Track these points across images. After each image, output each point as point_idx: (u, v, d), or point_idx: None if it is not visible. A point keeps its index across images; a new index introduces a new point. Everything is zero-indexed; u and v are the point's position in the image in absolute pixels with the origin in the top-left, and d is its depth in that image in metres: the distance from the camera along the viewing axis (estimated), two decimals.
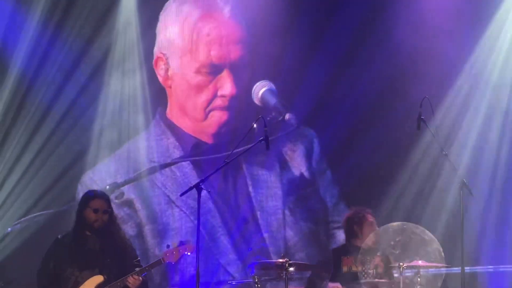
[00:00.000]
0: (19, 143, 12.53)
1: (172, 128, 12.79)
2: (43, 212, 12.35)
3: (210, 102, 12.58)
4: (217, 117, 12.53)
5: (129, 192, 12.66)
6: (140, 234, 12.50)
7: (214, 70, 12.54)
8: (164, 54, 12.67)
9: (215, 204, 12.59)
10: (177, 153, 12.74)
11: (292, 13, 12.77)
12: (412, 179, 12.09)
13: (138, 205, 12.53)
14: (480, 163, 12.33)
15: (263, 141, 9.68)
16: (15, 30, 12.63)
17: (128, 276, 9.80)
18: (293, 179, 12.72)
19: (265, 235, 12.37)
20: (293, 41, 12.82)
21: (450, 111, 12.30)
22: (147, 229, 12.46)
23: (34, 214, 12.31)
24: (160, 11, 12.84)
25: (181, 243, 10.30)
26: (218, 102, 12.48)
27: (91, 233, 10.05)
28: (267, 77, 12.75)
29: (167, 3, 12.85)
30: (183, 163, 12.69)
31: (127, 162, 12.92)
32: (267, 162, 12.70)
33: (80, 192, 12.18)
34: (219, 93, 12.51)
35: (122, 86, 12.84)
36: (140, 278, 9.88)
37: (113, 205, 11.09)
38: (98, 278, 9.76)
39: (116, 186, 12.76)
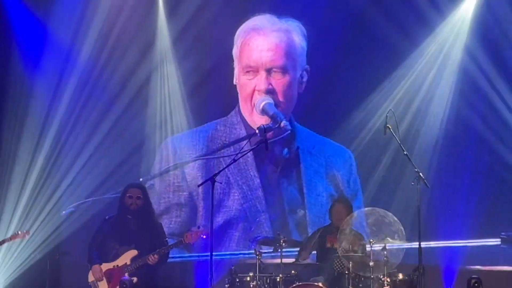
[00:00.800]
0: (84, 133, 13.18)
1: (244, 121, 13.41)
2: (92, 198, 13.03)
3: (252, 96, 13.24)
4: (261, 111, 13.19)
5: (196, 168, 13.40)
6: (193, 205, 13.18)
7: (252, 70, 13.19)
8: (234, 67, 13.44)
9: (264, 193, 13.24)
10: (244, 142, 12.91)
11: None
12: (383, 175, 12.85)
13: (200, 179, 12.97)
14: (434, 159, 13.00)
15: (263, 143, 10.66)
16: (72, 61, 13.25)
17: (149, 255, 11.18)
18: (332, 194, 13.33)
19: (309, 230, 12.88)
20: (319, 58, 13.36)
21: (405, 121, 12.89)
22: (202, 204, 13.10)
23: (88, 199, 12.98)
24: (191, 45, 13.49)
25: (199, 228, 11.66)
26: (257, 96, 13.13)
27: (131, 216, 11.50)
28: (298, 83, 13.35)
29: (238, 31, 13.45)
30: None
31: (205, 139, 13.60)
32: (320, 175, 13.45)
33: (160, 155, 13.52)
34: (256, 88, 13.18)
35: (162, 102, 13.58)
36: (156, 256, 11.18)
37: (181, 173, 13.22)
38: (133, 252, 11.22)
39: (188, 161, 13.44)
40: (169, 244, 11.74)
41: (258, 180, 13.22)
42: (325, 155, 13.52)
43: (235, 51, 13.47)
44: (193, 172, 13.34)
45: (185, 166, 13.47)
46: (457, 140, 13.34)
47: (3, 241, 11.84)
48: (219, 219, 12.44)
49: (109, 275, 11.36)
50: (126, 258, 11.35)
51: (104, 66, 13.30)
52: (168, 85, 13.72)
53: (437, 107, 13.49)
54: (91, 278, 11.44)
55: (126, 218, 11.69)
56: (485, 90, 13.23)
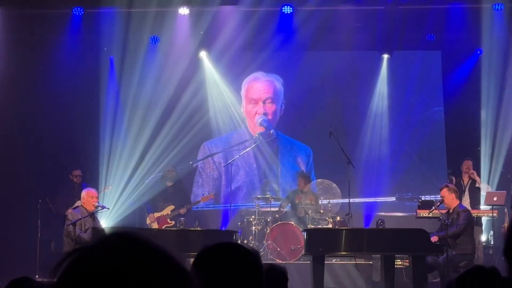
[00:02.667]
0: (165, 132, 13.42)
1: (247, 130, 14.12)
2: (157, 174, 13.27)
3: (254, 116, 13.95)
4: (263, 127, 13.91)
5: (220, 157, 13.93)
6: (220, 178, 13.86)
7: (255, 102, 14.03)
8: (243, 101, 14.08)
9: (258, 171, 13.86)
10: (246, 142, 13.90)
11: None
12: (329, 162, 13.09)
13: (223, 164, 13.71)
14: (367, 142, 13.48)
15: (259, 142, 13.02)
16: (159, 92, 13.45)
17: (180, 208, 12.17)
18: (297, 170, 13.72)
19: (281, 190, 13.52)
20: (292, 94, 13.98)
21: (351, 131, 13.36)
22: (224, 177, 13.74)
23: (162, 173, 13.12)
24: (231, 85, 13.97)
25: (208, 193, 12.87)
26: (257, 116, 13.94)
27: (170, 185, 12.64)
28: (279, 109, 14.05)
29: (243, 81, 14.02)
30: (246, 146, 13.70)
31: (225, 142, 14.07)
32: (290, 161, 14.01)
33: (200, 153, 13.96)
34: (257, 112, 13.96)
35: (218, 115, 13.96)
36: (185, 209, 12.11)
37: (212, 161, 13.80)
38: (171, 207, 12.30)
39: (214, 154, 14.00)
40: (192, 202, 12.84)
41: (255, 165, 13.88)
42: (294, 150, 14.09)
43: (243, 93, 14.09)
44: (218, 160, 13.96)
45: (214, 156, 14.02)
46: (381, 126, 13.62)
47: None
48: (233, 186, 12.95)
49: (158, 220, 12.25)
50: (167, 210, 12.30)
51: (178, 91, 13.55)
52: (217, 99, 14.06)
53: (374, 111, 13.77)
54: (147, 221, 12.25)
55: (167, 186, 12.67)
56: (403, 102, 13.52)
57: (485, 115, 12.74)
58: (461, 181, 12.07)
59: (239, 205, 13.25)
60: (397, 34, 13.22)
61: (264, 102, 14.12)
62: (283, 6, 12.86)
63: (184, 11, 12.98)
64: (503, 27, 12.25)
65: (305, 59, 13.87)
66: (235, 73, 13.92)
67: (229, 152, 13.88)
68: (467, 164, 12.10)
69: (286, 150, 14.13)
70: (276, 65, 13.99)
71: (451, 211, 10.19)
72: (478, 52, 12.49)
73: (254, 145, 13.52)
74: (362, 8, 12.96)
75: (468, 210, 10.43)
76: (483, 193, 11.98)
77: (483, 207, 11.74)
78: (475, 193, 11.96)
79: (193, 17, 13.07)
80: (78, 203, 10.41)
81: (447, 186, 10.52)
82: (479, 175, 12.24)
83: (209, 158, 14.01)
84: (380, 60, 13.68)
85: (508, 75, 12.57)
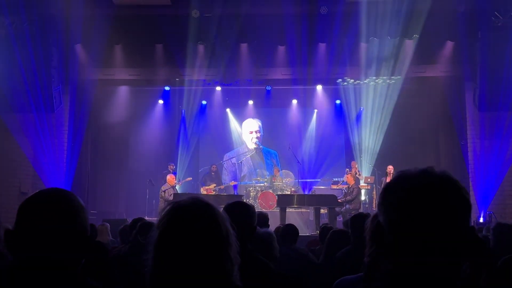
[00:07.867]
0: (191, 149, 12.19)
1: (246, 146, 12.94)
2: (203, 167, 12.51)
3: (252, 139, 12.93)
4: (255, 144, 12.93)
5: (234, 160, 12.76)
6: (235, 171, 12.53)
7: (251, 131, 12.97)
8: (242, 130, 12.99)
9: (254, 167, 12.85)
10: (247, 152, 12.79)
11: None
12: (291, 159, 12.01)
13: (237, 163, 12.49)
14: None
15: (255, 152, 12.41)
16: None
17: (221, 185, 11.41)
18: (273, 166, 12.63)
19: (267, 176, 12.24)
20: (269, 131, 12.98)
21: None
22: (238, 172, 12.37)
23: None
24: (241, 125, 13.00)
25: (233, 180, 11.90)
26: (253, 139, 12.98)
27: (213, 173, 11.65)
28: (265, 135, 12.94)
29: (243, 122, 13.01)
30: (247, 154, 12.75)
31: (237, 152, 12.85)
32: (268, 160, 12.91)
33: (224, 158, 12.69)
34: (252, 137, 12.98)
35: (232, 140, 12.95)
36: (223, 186, 11.37)
37: (231, 161, 12.40)
38: (214, 184, 11.28)
39: (231, 158, 12.77)
40: (226, 183, 11.88)
41: (251, 163, 12.87)
42: (269, 154, 12.96)
43: (244, 126, 13.07)
44: (233, 161, 12.67)
45: (232, 159, 12.82)
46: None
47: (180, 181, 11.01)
48: (241, 174, 12.11)
49: (206, 190, 11.12)
50: (212, 186, 11.33)
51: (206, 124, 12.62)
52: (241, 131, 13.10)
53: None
54: (201, 191, 11.11)
55: (210, 172, 11.80)
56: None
57: (364, 141, 11.77)
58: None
59: (245, 183, 12.40)
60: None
61: (256, 131, 13.25)
62: (266, 85, 11.80)
63: (218, 88, 12.10)
64: (376, 94, 11.14)
65: (272, 111, 12.91)
66: (240, 117, 13.10)
67: (237, 157, 12.87)
68: (353, 164, 11.38)
69: (266, 154, 13.20)
70: (256, 113, 13.15)
71: (349, 186, 9.98)
72: (362, 109, 11.59)
73: (252, 153, 12.78)
74: (301, 88, 11.71)
75: (358, 186, 10.18)
76: (360, 178, 11.23)
77: (363, 184, 11.10)
78: (356, 178, 11.00)
79: (223, 92, 12.35)
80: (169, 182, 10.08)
81: (348, 173, 10.42)
82: (361, 169, 11.52)
83: (229, 160, 13.00)
84: (313, 113, 12.89)
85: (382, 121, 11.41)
